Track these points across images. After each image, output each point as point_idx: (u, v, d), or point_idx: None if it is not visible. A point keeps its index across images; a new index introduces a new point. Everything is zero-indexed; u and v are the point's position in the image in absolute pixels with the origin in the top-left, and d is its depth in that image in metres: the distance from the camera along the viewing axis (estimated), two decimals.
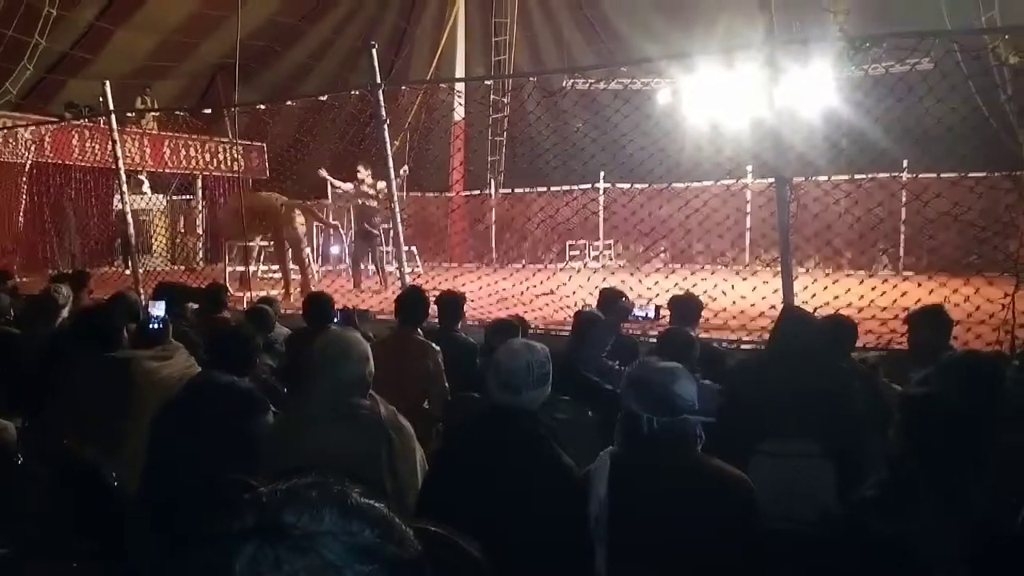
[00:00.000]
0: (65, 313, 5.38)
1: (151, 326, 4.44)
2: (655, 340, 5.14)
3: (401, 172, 11.46)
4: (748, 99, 11.40)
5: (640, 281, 6.66)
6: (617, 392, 3.38)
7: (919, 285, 5.85)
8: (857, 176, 8.71)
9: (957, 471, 1.88)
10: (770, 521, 2.09)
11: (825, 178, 8.31)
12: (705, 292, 5.97)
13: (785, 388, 3.18)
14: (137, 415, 3.15)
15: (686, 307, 4.67)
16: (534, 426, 2.31)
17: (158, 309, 4.90)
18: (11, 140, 12.76)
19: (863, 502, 2.03)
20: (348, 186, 11.93)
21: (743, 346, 5.52)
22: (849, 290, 5.88)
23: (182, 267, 13.02)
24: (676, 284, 6.37)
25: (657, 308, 4.70)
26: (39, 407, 4.65)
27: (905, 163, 11.24)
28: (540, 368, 2.36)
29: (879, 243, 10.98)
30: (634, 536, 1.89)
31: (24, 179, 13.19)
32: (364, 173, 11.67)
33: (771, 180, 6.00)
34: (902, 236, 11.52)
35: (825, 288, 5.89)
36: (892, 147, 10.29)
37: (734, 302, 6.23)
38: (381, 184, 11.12)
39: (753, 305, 5.95)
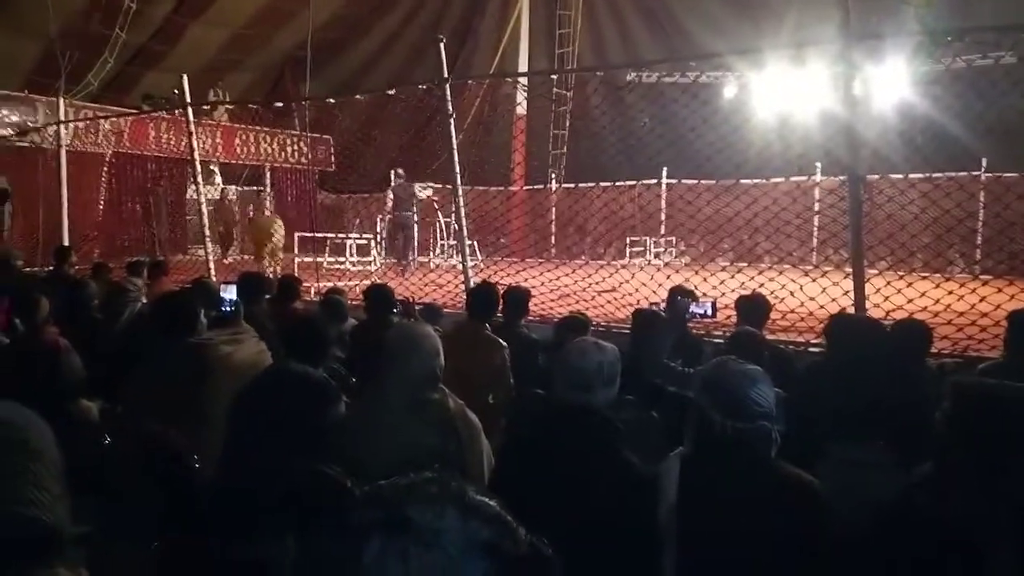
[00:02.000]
0: (143, 299, 5.60)
1: (223, 309, 4.61)
2: (719, 340, 5.11)
3: (397, 172, 12.71)
4: (818, 94, 11.14)
5: (705, 280, 6.58)
6: (680, 394, 3.38)
7: (999, 290, 5.64)
8: (934, 175, 8.42)
9: (1005, 458, 1.83)
10: (838, 528, 2.06)
11: (900, 176, 8.07)
12: (772, 293, 5.87)
13: (853, 392, 3.12)
14: (212, 399, 3.26)
15: (754, 307, 4.59)
16: (604, 426, 2.32)
17: (230, 293, 5.08)
18: (92, 131, 13.30)
19: (911, 487, 2.00)
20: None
21: (811, 349, 5.40)
22: (924, 294, 5.69)
23: (250, 257, 13.37)
24: (742, 284, 6.28)
25: (714, 304, 4.64)
26: (118, 389, 4.87)
27: (984, 162, 10.82)
28: (610, 368, 2.37)
29: (955, 245, 10.61)
30: (703, 540, 1.89)
31: (104, 169, 13.72)
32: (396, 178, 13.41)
33: (842, 177, 5.84)
34: (979, 238, 11.10)
35: (899, 291, 5.71)
36: (971, 144, 9.93)
37: (802, 304, 6.09)
38: (419, 190, 13.05)
39: (822, 307, 5.81)
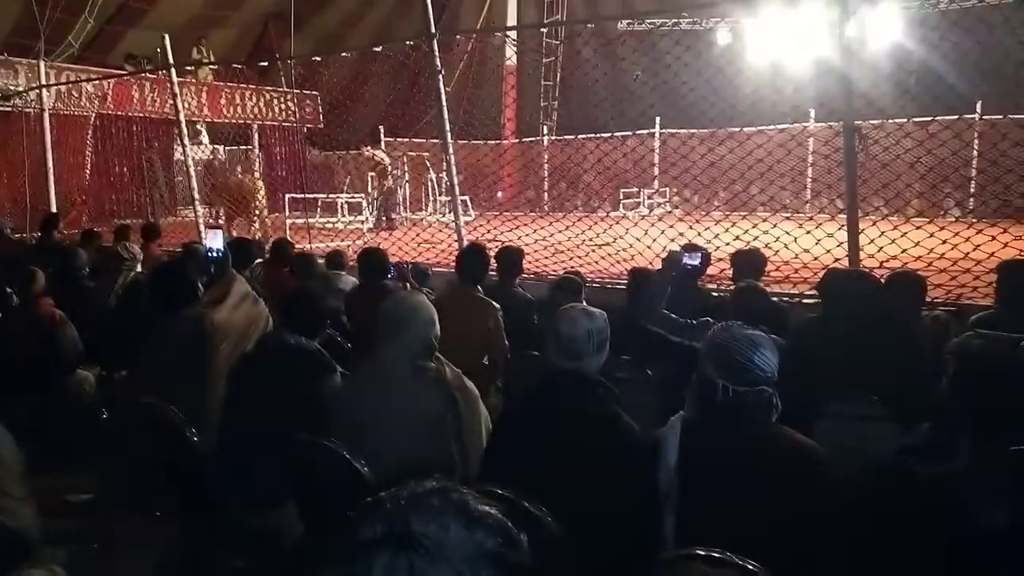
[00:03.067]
0: (138, 267, 5.56)
1: (211, 255, 4.57)
2: (716, 294, 5.10)
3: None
4: (812, 40, 10.97)
5: (699, 233, 6.55)
6: (685, 343, 3.38)
7: (993, 238, 5.63)
8: (927, 119, 8.34)
9: (1002, 422, 1.85)
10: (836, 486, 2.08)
11: (894, 122, 7.99)
12: (766, 245, 5.85)
13: (849, 348, 3.12)
14: (212, 368, 3.26)
15: (750, 261, 4.58)
16: (597, 391, 2.32)
17: (216, 241, 5.01)
18: (75, 93, 13.04)
19: (908, 448, 2.02)
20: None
21: (805, 300, 5.41)
22: (918, 243, 5.68)
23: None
24: (736, 237, 6.26)
25: (704, 255, 4.63)
26: (114, 358, 4.86)
27: (979, 105, 10.72)
28: (599, 335, 2.37)
29: (949, 191, 10.57)
30: (705, 505, 1.90)
31: (89, 132, 13.50)
32: (367, 150, 14.31)
33: (834, 124, 5.77)
34: (973, 183, 11.06)
35: (893, 241, 5.70)
36: (966, 88, 9.82)
37: (796, 255, 6.09)
38: (380, 154, 13.92)
39: (816, 258, 5.81)
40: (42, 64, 11.58)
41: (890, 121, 8.00)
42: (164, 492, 3.03)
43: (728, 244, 6.03)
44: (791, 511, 1.80)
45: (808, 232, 6.20)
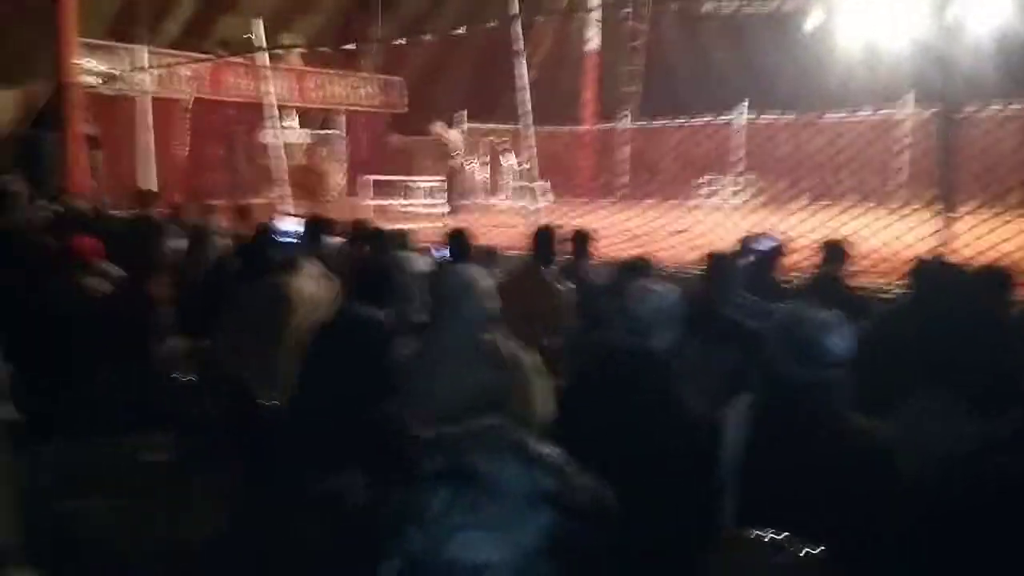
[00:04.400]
0: (225, 242, 5.79)
1: (286, 240, 4.74)
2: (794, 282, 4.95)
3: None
4: (910, 20, 10.43)
5: (783, 220, 6.36)
6: (759, 329, 3.30)
7: None
8: None
9: None
10: (908, 480, 2.00)
11: (997, 107, 7.55)
12: (854, 232, 5.64)
13: (934, 339, 2.99)
14: (287, 333, 3.38)
15: (834, 251, 4.46)
16: (661, 369, 2.29)
17: (292, 225, 5.22)
18: (173, 77, 13.62)
19: (991, 442, 1.92)
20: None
21: (883, 295, 5.19)
22: (1021, 232, 5.36)
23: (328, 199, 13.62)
24: (822, 223, 6.06)
25: (777, 243, 4.51)
26: (201, 328, 5.10)
27: None
28: (670, 311, 2.33)
29: None
30: (767, 488, 1.85)
31: (187, 114, 14.08)
32: (438, 128, 13.74)
33: (933, 110, 5.50)
34: None
35: (991, 230, 5.40)
36: None
37: (885, 244, 5.84)
38: (449, 133, 13.54)
39: (908, 247, 5.56)
40: (144, 48, 12.14)
41: (992, 106, 7.54)
42: (237, 454, 3.16)
43: (813, 231, 5.85)
44: (855, 498, 1.74)
45: (900, 219, 5.94)
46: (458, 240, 4.96)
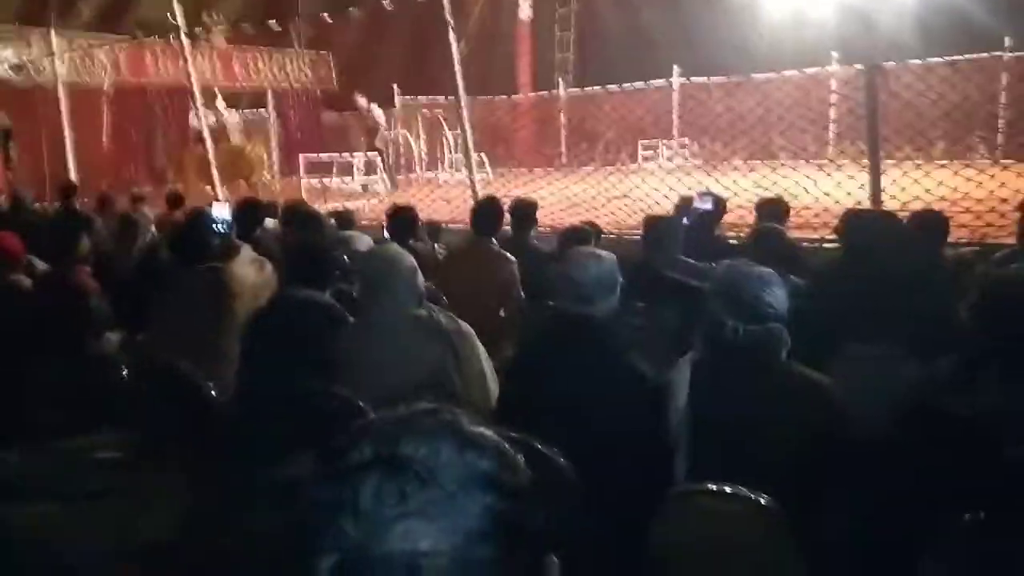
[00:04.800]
0: (152, 230, 5.61)
1: (215, 227, 4.61)
2: (734, 241, 5.04)
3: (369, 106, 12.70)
4: None
5: (717, 180, 6.46)
6: (702, 288, 3.35)
7: (1019, 175, 5.49)
8: (953, 58, 8.08)
9: None
10: (853, 427, 2.06)
11: (918, 61, 7.76)
12: (786, 190, 5.76)
13: (868, 288, 3.07)
14: (228, 322, 3.29)
15: (772, 209, 4.54)
16: (607, 334, 2.31)
17: (222, 212, 5.07)
18: (88, 62, 13.02)
19: (933, 384, 1.99)
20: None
21: (826, 245, 5.33)
22: (941, 183, 5.56)
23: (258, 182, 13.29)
24: (756, 183, 6.17)
25: (716, 200, 4.58)
26: (136, 320, 4.94)
27: (1008, 41, 10.35)
28: (609, 277, 2.35)
29: (976, 130, 10.27)
30: (716, 445, 1.89)
31: (104, 101, 13.51)
32: (362, 101, 13.55)
33: (858, 67, 5.63)
34: (1000, 121, 10.73)
35: (915, 181, 5.58)
36: (992, 23, 9.49)
37: (817, 199, 5.99)
38: (375, 107, 13.33)
39: (838, 202, 5.71)
40: (53, 33, 11.57)
41: (914, 60, 7.76)
42: (185, 447, 3.08)
43: (747, 191, 5.95)
44: (802, 446, 1.79)
45: (829, 175, 6.09)
46: (400, 218, 4.83)
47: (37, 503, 3.31)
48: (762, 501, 1.64)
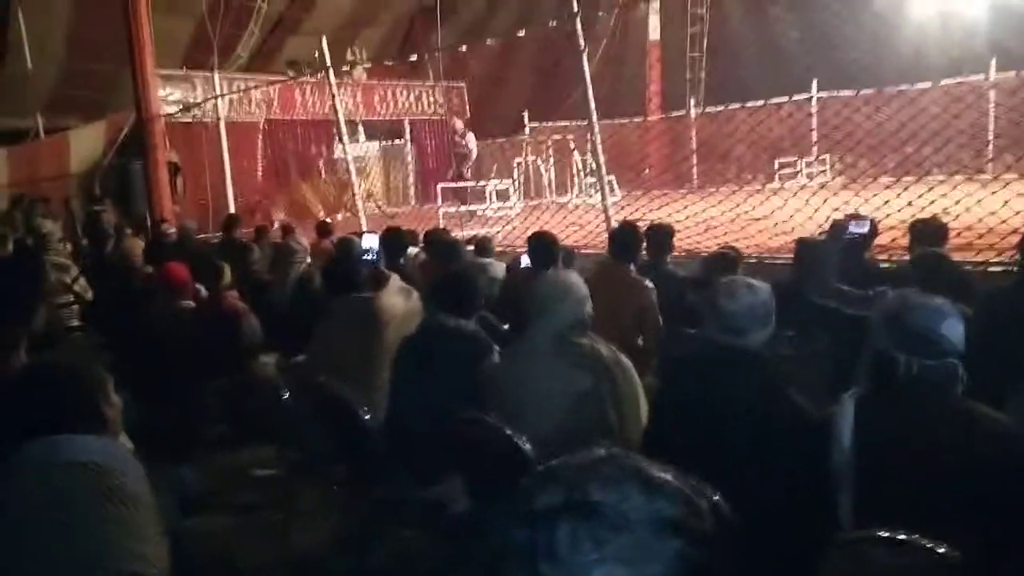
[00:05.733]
0: (308, 259, 5.94)
1: (365, 257, 4.82)
2: (886, 265, 4.76)
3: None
4: None
5: (866, 200, 6.13)
6: (859, 315, 3.18)
7: None
8: None
9: None
10: None
11: None
12: (944, 210, 5.40)
13: None
14: (380, 348, 3.44)
15: (929, 229, 4.26)
16: (762, 366, 2.24)
17: (371, 242, 5.30)
18: (245, 101, 14.08)
19: None
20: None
21: (991, 268, 4.94)
22: None
23: (397, 209, 13.87)
24: (909, 202, 5.81)
25: (872, 223, 4.33)
26: (291, 345, 5.25)
27: None
28: (763, 308, 2.28)
29: None
30: (885, 487, 1.78)
31: (259, 136, 14.53)
32: (459, 125, 13.59)
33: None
34: None
35: None
36: None
37: (980, 219, 5.56)
38: (469, 135, 13.33)
39: (1004, 222, 5.28)
40: (216, 75, 12.58)
41: None
42: (339, 466, 3.24)
43: (899, 211, 5.62)
44: (984, 493, 1.65)
45: (993, 192, 5.65)
46: (541, 244, 4.81)
47: (211, 514, 3.57)
48: (940, 551, 1.53)
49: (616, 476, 0.67)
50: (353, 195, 10.63)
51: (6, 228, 9.26)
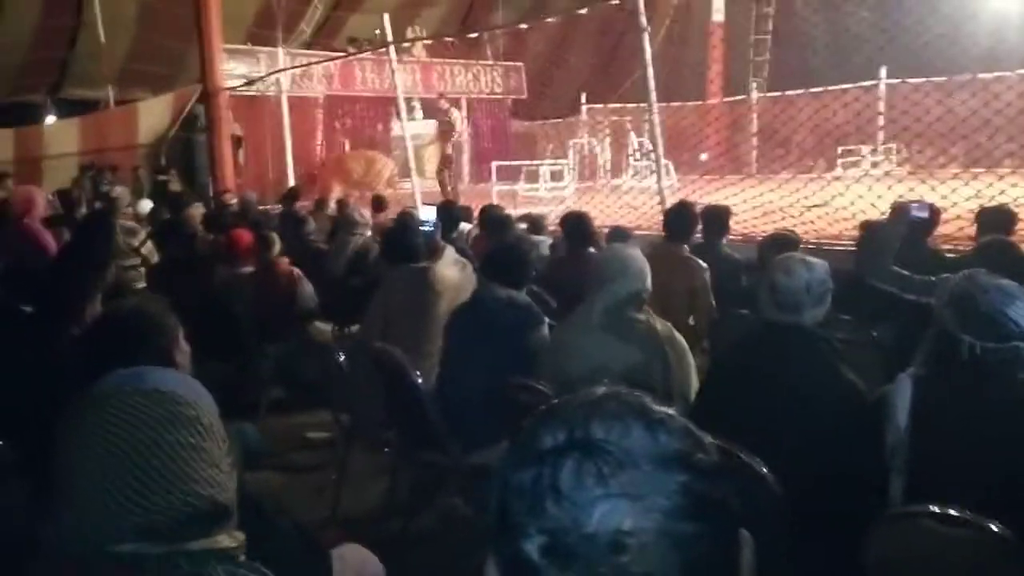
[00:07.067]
0: (367, 232, 6.04)
1: (423, 228, 4.90)
2: (951, 255, 4.63)
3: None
4: None
5: (933, 189, 5.96)
6: (920, 302, 3.11)
7: None
8: None
9: None
10: None
11: None
12: (1015, 199, 5.22)
13: None
14: (434, 317, 3.50)
15: (996, 219, 4.13)
16: (816, 343, 2.21)
17: (428, 214, 5.38)
18: (307, 76, 14.29)
19: None
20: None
21: None
22: None
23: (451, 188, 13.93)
24: (977, 192, 5.64)
25: (933, 209, 4.21)
26: (347, 314, 5.36)
27: None
28: (820, 286, 2.24)
29: None
30: (941, 468, 1.75)
31: (320, 111, 14.73)
32: (443, 103, 12.92)
33: None
34: None
35: None
36: None
37: None
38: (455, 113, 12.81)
39: None
40: (280, 50, 12.79)
41: None
42: (390, 431, 3.31)
43: (967, 200, 5.45)
44: None
45: None
46: (575, 223, 4.83)
47: (267, 472, 3.69)
48: (994, 528, 1.51)
49: (618, 412, 0.68)
50: (411, 170, 10.73)
51: (80, 191, 9.63)
